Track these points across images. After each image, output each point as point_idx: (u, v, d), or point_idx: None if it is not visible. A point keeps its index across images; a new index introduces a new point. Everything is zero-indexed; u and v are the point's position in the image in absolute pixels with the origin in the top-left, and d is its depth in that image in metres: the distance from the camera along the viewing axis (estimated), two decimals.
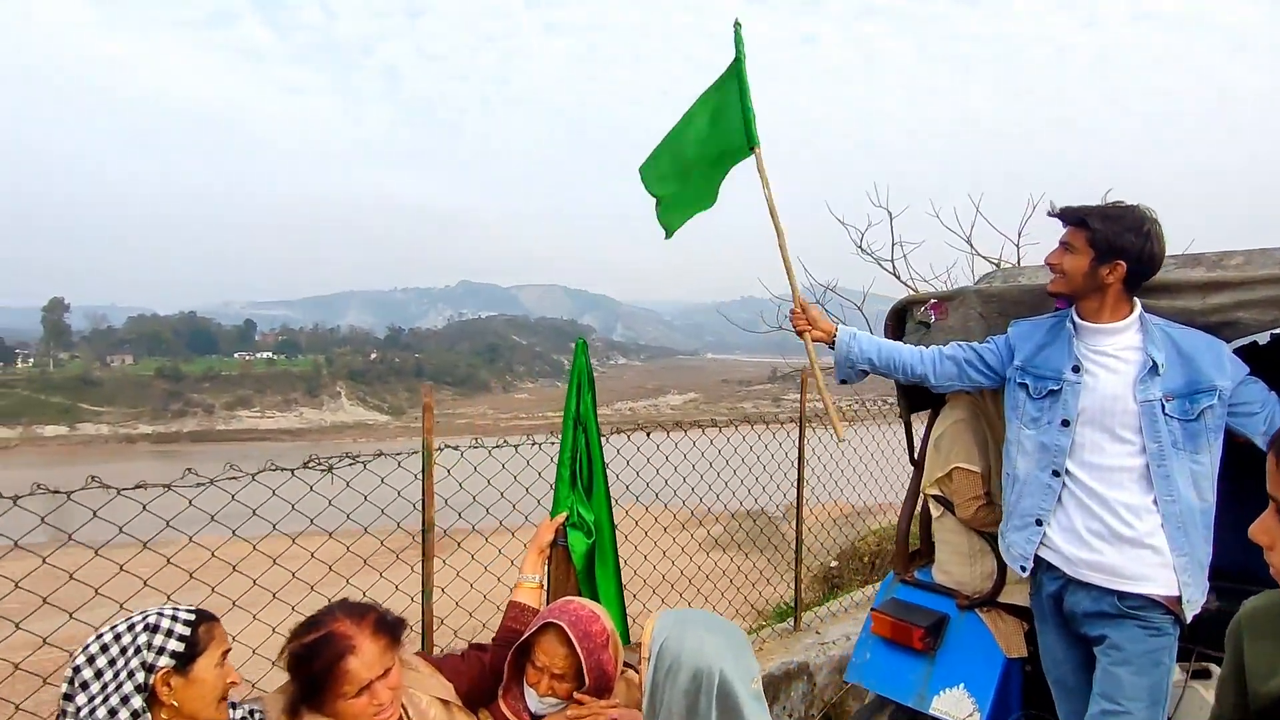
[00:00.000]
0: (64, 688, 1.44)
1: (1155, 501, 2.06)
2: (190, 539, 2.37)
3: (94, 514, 2.15)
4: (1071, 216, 2.15)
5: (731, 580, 4.48)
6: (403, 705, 1.74)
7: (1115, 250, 2.07)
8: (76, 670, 1.44)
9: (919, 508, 3.05)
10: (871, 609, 2.91)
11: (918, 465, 3.05)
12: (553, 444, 3.02)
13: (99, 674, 1.44)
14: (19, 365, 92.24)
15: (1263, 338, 2.50)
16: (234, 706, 1.64)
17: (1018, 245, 7.22)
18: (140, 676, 1.45)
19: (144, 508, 2.18)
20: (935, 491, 2.79)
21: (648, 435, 3.56)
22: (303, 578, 2.66)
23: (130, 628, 1.49)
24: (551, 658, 1.89)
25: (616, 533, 2.54)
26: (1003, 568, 2.64)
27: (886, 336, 2.92)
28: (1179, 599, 2.05)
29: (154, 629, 1.49)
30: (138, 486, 2.07)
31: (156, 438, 77.28)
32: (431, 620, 2.76)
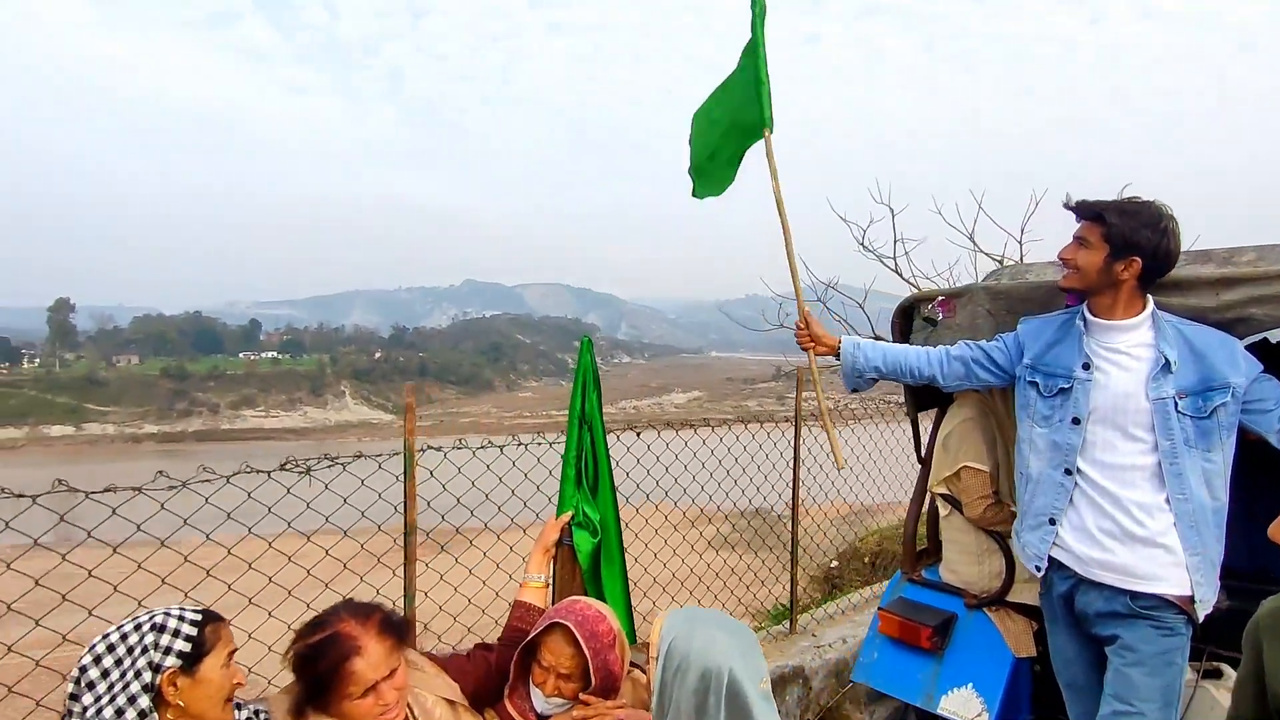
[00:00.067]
0: (70, 687, 1.44)
1: (1167, 500, 2.04)
2: (162, 543, 2.35)
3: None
4: (1087, 210, 2.12)
5: (730, 580, 4.43)
6: (408, 705, 1.73)
7: (1131, 246, 2.04)
8: (83, 670, 1.44)
9: (926, 506, 3.04)
10: (879, 608, 2.89)
11: (925, 464, 3.03)
12: (540, 444, 3.00)
13: (105, 674, 1.44)
14: (25, 365, 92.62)
15: (1275, 334, 2.48)
16: (239, 707, 1.64)
17: (1020, 242, 7.20)
18: (147, 676, 1.45)
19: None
20: (943, 490, 2.77)
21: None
22: (279, 582, 2.61)
23: (137, 628, 1.49)
24: (558, 657, 1.88)
25: (624, 531, 2.53)
26: (1011, 567, 2.63)
27: (894, 334, 2.89)
28: (1191, 599, 2.03)
29: (161, 629, 1.49)
30: (106, 490, 2.07)
31: (162, 437, 77.61)
32: (414, 625, 2.72)
